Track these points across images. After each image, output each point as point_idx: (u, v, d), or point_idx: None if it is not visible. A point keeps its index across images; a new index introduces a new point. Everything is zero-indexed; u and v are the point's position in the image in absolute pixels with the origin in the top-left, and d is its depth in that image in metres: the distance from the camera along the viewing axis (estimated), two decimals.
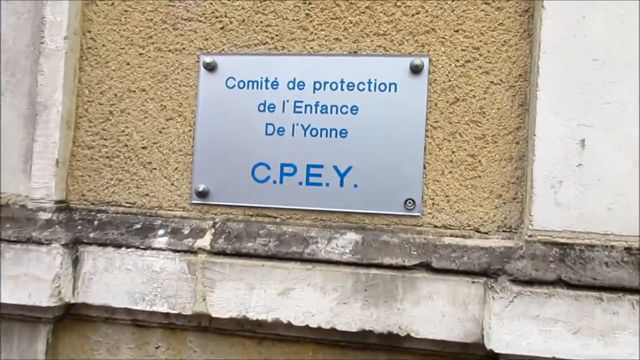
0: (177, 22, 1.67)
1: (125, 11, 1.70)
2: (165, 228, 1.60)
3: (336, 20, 1.58)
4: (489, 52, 1.49)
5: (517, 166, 1.47)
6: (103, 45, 1.71)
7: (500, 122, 1.48)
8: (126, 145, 1.68)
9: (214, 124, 1.62)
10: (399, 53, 1.54)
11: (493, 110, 1.49)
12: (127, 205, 1.68)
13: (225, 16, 1.64)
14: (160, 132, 1.67)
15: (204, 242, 1.55)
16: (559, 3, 1.39)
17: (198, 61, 1.65)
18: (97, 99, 1.71)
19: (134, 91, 1.69)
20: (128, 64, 1.69)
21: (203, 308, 1.50)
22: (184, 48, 1.66)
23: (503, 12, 1.49)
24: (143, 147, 1.67)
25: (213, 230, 1.58)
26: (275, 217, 1.60)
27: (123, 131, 1.69)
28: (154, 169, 1.66)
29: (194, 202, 1.63)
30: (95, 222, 1.64)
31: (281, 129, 1.59)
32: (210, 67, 1.63)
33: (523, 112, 1.47)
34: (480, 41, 1.50)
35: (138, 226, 1.62)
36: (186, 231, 1.59)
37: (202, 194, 1.61)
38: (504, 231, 1.47)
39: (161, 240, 1.56)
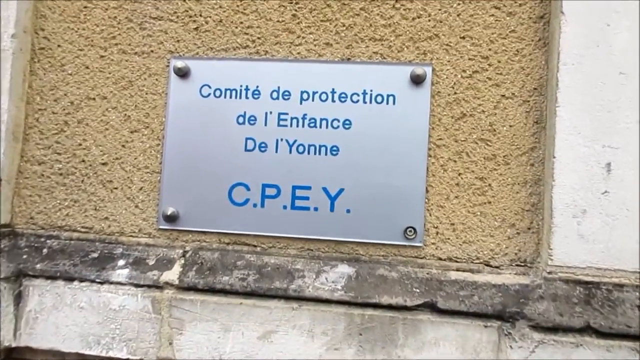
0: (144, 21, 1.46)
1: (85, 7, 1.48)
2: (127, 258, 1.38)
3: (327, 22, 1.39)
4: (499, 62, 1.32)
5: (533, 191, 1.30)
6: (58, 46, 1.48)
7: (513, 141, 1.31)
8: (83, 161, 1.46)
9: (185, 138, 1.41)
10: (397, 61, 1.36)
11: (505, 128, 1.31)
12: (82, 230, 1.45)
13: (200, 15, 1.44)
14: (123, 146, 1.44)
15: (172, 275, 1.33)
16: (580, 8, 1.23)
17: (168, 66, 1.44)
18: (51, 107, 1.48)
19: (94, 99, 1.46)
20: (87, 67, 1.47)
21: (169, 354, 1.28)
22: (152, 51, 1.45)
23: (515, 17, 1.33)
24: (103, 163, 1.45)
25: (183, 261, 1.36)
26: (255, 246, 1.39)
27: (80, 144, 1.46)
28: (115, 188, 1.44)
29: (161, 227, 1.41)
30: (45, 250, 1.41)
31: (263, 145, 1.39)
32: (182, 73, 1.42)
33: (539, 130, 1.30)
34: (490, 50, 1.33)
35: (95, 255, 1.39)
36: (151, 262, 1.37)
37: (171, 218, 1.40)
38: (517, 265, 1.29)
39: (121, 273, 1.34)
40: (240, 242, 1.39)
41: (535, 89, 1.31)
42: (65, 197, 1.46)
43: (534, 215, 1.29)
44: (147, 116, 1.44)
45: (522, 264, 1.29)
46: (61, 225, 1.45)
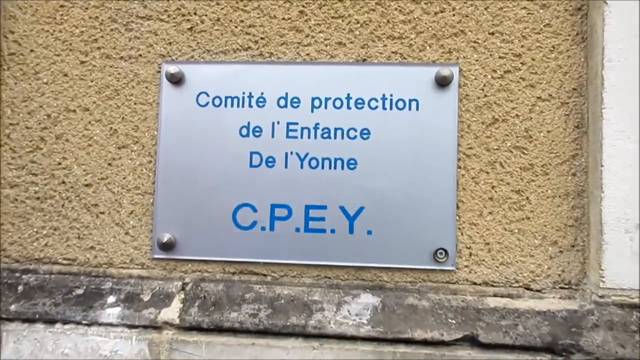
0: (131, 22, 1.29)
1: (61, 7, 1.30)
2: (118, 293, 1.20)
3: (339, 19, 1.24)
4: (533, 60, 1.19)
5: (575, 204, 1.16)
6: (31, 51, 1.30)
7: (552, 148, 1.17)
8: (63, 183, 1.27)
9: (181, 153, 1.24)
10: (420, 61, 1.21)
11: (542, 134, 1.17)
12: (64, 262, 1.26)
13: (195, 14, 1.27)
14: (109, 164, 1.27)
15: (171, 312, 1.16)
16: None
17: (159, 71, 1.27)
18: (24, 121, 1.29)
19: (74, 110, 1.28)
20: (65, 75, 1.29)
21: None
22: (140, 55, 1.28)
23: (550, 10, 1.19)
24: (86, 185, 1.27)
25: (183, 295, 1.19)
26: (265, 275, 1.23)
27: (59, 163, 1.28)
28: (102, 213, 1.26)
29: (156, 256, 1.24)
30: (20, 288, 1.22)
31: (270, 160, 1.22)
32: (176, 79, 1.25)
33: (580, 135, 1.17)
34: (523, 46, 1.19)
35: (80, 292, 1.21)
36: (146, 297, 1.19)
37: (167, 246, 1.22)
38: (561, 288, 1.15)
39: (112, 312, 1.16)
40: (248, 271, 1.23)
41: (574, 89, 1.17)
42: (43, 225, 1.27)
43: (578, 231, 1.16)
44: (137, 129, 1.27)
45: (567, 287, 1.15)
46: (39, 258, 1.27)
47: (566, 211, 1.16)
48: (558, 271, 1.15)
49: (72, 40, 1.29)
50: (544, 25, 1.19)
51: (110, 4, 1.29)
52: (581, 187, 1.16)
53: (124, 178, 1.26)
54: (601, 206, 1.08)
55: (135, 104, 1.27)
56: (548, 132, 1.17)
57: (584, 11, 1.18)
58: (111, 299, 1.19)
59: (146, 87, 1.27)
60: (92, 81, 1.28)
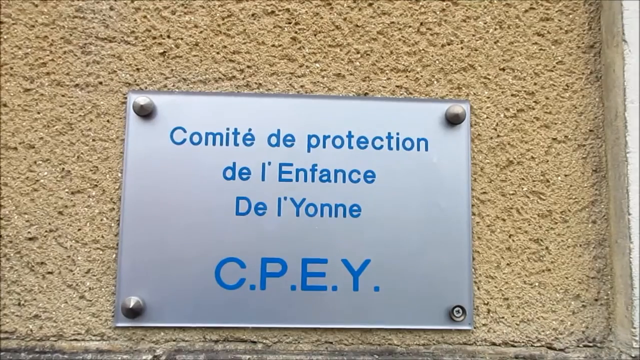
0: (89, 43, 1.08)
1: (1, 23, 1.08)
2: None
3: (336, 48, 1.10)
4: (547, 98, 1.11)
5: (597, 254, 1.07)
6: None
7: (570, 193, 1.09)
8: (0, 237, 1.03)
9: (152, 200, 1.04)
10: (427, 97, 1.10)
11: (559, 178, 1.09)
12: (1, 337, 1.01)
13: (168, 37, 1.09)
14: (60, 212, 1.04)
15: None
16: None
17: (125, 102, 1.07)
18: None
19: (15, 148, 1.05)
20: (5, 105, 1.06)
21: None
22: (100, 82, 1.07)
23: (562, 46, 1.12)
24: (30, 239, 1.03)
25: None
26: (254, 342, 1.04)
27: None
28: (49, 273, 1.03)
29: (119, 325, 1.02)
30: None
31: (261, 207, 1.05)
32: (146, 112, 1.05)
33: (599, 180, 1.09)
34: (536, 84, 1.11)
35: None
36: None
37: (134, 312, 1.01)
38: (586, 346, 1.05)
39: None
40: (234, 337, 1.03)
41: (591, 130, 1.10)
42: None
43: (601, 283, 1.07)
44: (96, 171, 1.05)
45: (591, 344, 1.06)
46: None
47: (588, 262, 1.07)
48: (582, 328, 1.06)
49: (13, 64, 1.07)
50: (557, 63, 1.11)
51: (63, 23, 1.08)
52: (602, 235, 1.08)
53: (79, 230, 1.04)
54: (631, 257, 0.99)
55: (94, 140, 1.06)
56: (566, 176, 1.09)
57: (597, 49, 1.12)
58: None
59: (108, 121, 1.07)
60: (38, 113, 1.06)
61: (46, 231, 1.03)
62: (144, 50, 1.08)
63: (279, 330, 1.04)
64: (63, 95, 1.06)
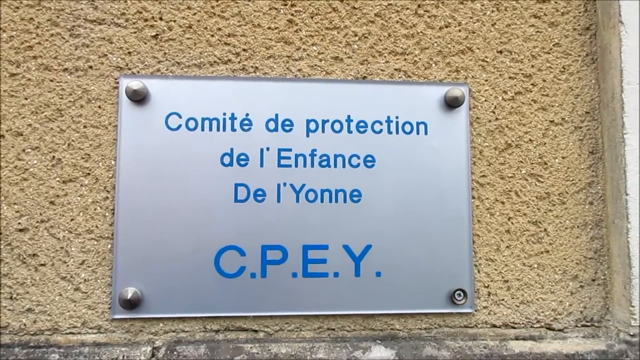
0: (77, 26, 1.04)
1: None
2: None
3: (334, 30, 1.08)
4: (544, 81, 1.11)
5: (594, 235, 1.09)
6: None
7: (568, 175, 1.09)
8: None
9: (147, 188, 1.01)
10: (426, 80, 1.09)
11: (557, 160, 1.09)
12: None
13: (161, 18, 1.05)
14: (51, 202, 1.00)
15: None
16: None
17: (117, 87, 1.03)
18: None
19: (2, 136, 1.01)
20: None
21: None
22: (90, 66, 1.03)
23: (558, 29, 1.12)
24: (21, 230, 0.99)
25: None
26: (256, 331, 1.02)
27: None
28: (42, 265, 0.99)
29: (117, 317, 0.99)
30: None
31: (260, 193, 1.03)
32: (139, 97, 1.02)
33: (595, 161, 1.10)
34: (533, 66, 1.11)
35: None
36: None
37: (132, 303, 0.98)
38: (584, 326, 1.07)
39: None
40: (235, 327, 1.02)
41: (587, 112, 1.11)
42: None
43: (598, 263, 1.08)
44: (88, 158, 1.02)
45: (589, 324, 1.07)
46: None
47: (585, 243, 1.08)
48: (580, 308, 1.07)
49: None
50: (554, 45, 1.11)
51: (50, 4, 1.04)
52: (599, 216, 1.09)
53: (72, 220, 1.00)
54: (628, 237, 1.01)
55: (85, 127, 1.02)
56: (563, 158, 1.09)
57: (593, 31, 1.12)
58: None
59: (99, 107, 1.03)
60: (26, 98, 1.02)
61: (37, 222, 1.00)
62: (135, 32, 1.05)
63: (280, 319, 1.03)
64: (51, 80, 1.02)
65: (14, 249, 0.99)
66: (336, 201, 1.04)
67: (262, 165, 1.04)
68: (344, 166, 1.05)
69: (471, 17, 1.11)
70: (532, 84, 1.10)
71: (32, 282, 0.99)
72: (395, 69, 1.09)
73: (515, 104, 1.10)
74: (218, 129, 1.04)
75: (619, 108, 1.04)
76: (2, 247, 0.99)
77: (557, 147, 1.10)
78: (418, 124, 1.07)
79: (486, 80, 1.10)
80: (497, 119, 1.09)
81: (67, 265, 1.00)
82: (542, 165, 1.09)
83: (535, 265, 1.07)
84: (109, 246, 1.01)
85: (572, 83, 1.11)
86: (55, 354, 0.96)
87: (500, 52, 1.11)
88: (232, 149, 1.04)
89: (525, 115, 1.10)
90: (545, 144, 1.09)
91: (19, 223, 0.99)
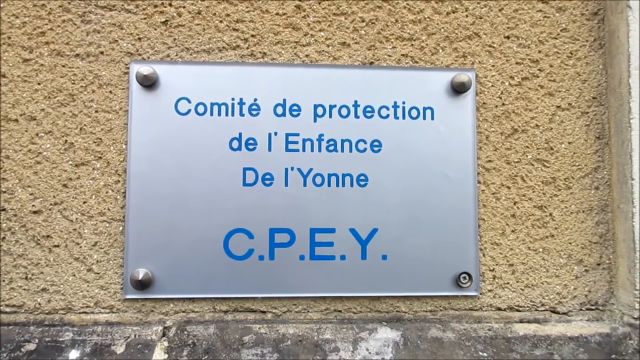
0: (88, 12, 1.06)
1: None
2: (82, 346, 0.97)
3: (341, 16, 1.09)
4: (551, 66, 1.11)
5: (600, 220, 1.09)
6: None
7: (574, 160, 1.10)
8: (4, 210, 1.01)
9: (158, 171, 1.03)
10: (432, 65, 1.10)
11: (563, 145, 1.10)
12: (8, 310, 1.00)
13: (170, 5, 1.07)
14: (64, 185, 1.03)
15: None
16: None
17: (127, 72, 1.05)
18: None
19: (16, 120, 1.03)
20: (4, 76, 1.03)
21: None
22: (102, 52, 1.05)
23: (566, 14, 1.12)
24: (35, 212, 1.02)
25: (166, 343, 0.98)
26: (264, 312, 1.04)
27: None
28: (56, 246, 1.02)
29: (129, 297, 1.02)
30: None
31: (268, 177, 1.05)
32: (149, 83, 1.03)
33: (601, 146, 1.10)
34: (540, 52, 1.11)
35: (31, 347, 0.96)
36: (119, 349, 0.97)
37: (143, 284, 1.01)
38: (588, 309, 1.08)
39: None
40: (244, 308, 1.04)
41: (594, 98, 1.11)
42: None
43: (603, 248, 1.09)
44: (99, 142, 1.04)
45: (594, 308, 1.08)
46: None
47: (590, 227, 1.09)
48: (584, 292, 1.08)
49: (10, 33, 1.04)
50: (561, 30, 1.11)
51: None
52: (604, 201, 1.09)
53: (84, 202, 1.03)
54: (633, 222, 1.01)
55: (96, 111, 1.04)
56: (569, 143, 1.10)
57: (601, 16, 1.12)
58: (74, 354, 0.95)
59: (110, 92, 1.05)
60: (39, 84, 1.04)
61: (51, 204, 1.02)
62: (145, 19, 1.06)
63: (288, 300, 1.05)
64: (63, 66, 1.04)
65: (29, 230, 1.02)
66: (343, 185, 1.06)
67: (270, 149, 1.05)
68: (350, 151, 1.07)
69: (478, 3, 1.11)
70: (539, 70, 1.11)
71: (47, 262, 1.02)
72: (402, 55, 1.09)
73: (522, 89, 1.10)
74: (227, 114, 1.05)
75: (626, 93, 1.04)
76: (17, 228, 1.01)
77: (564, 132, 1.10)
78: (425, 109, 1.08)
79: (493, 66, 1.10)
80: (503, 104, 1.10)
81: (80, 247, 1.02)
82: (548, 151, 1.09)
83: (541, 250, 1.08)
84: (121, 228, 1.03)
85: (579, 68, 1.11)
86: (69, 333, 0.98)
87: (508, 37, 1.11)
88: (240, 134, 1.05)
89: (532, 101, 1.10)
90: (551, 129, 1.10)
91: (33, 205, 1.02)
